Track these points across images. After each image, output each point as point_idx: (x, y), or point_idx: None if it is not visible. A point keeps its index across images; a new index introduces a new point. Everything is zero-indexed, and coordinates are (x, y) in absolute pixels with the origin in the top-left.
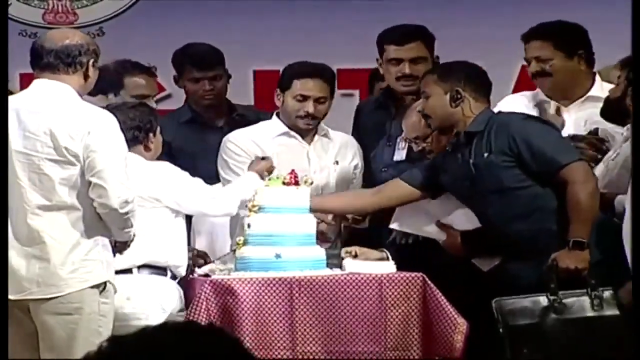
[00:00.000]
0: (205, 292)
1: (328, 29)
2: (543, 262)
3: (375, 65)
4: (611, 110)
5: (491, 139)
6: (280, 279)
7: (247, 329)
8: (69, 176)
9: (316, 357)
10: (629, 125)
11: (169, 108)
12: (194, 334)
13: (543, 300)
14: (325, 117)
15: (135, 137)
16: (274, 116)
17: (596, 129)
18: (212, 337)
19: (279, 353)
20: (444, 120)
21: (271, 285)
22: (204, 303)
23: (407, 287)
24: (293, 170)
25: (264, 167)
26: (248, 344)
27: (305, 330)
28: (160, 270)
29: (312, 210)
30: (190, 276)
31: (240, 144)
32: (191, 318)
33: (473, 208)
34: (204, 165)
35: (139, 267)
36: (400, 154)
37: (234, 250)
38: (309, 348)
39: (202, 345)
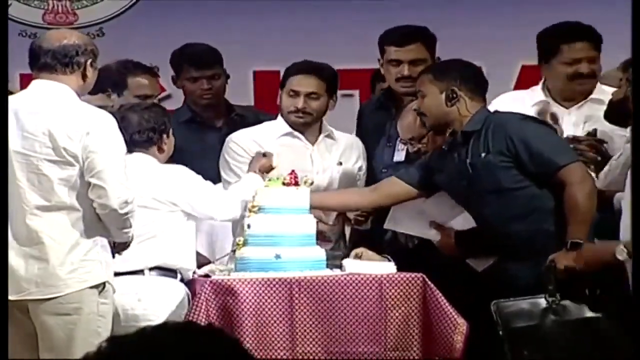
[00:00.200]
0: (206, 293)
1: (328, 29)
2: (541, 263)
3: (376, 65)
4: (615, 112)
5: (488, 138)
6: (280, 280)
7: (247, 330)
8: (68, 177)
9: (316, 357)
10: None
11: (169, 108)
12: (194, 334)
13: (542, 302)
14: (322, 114)
15: (150, 139)
16: (279, 116)
17: (595, 130)
18: (211, 337)
19: (279, 353)
20: (440, 120)
21: (271, 285)
22: (204, 303)
23: (407, 287)
24: (293, 171)
25: (265, 164)
26: (248, 345)
27: (305, 330)
28: (171, 272)
29: (312, 207)
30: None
31: (243, 144)
32: (191, 318)
33: (469, 208)
34: (203, 165)
35: (150, 269)
36: (399, 155)
37: (234, 251)
38: (309, 348)
39: (202, 345)
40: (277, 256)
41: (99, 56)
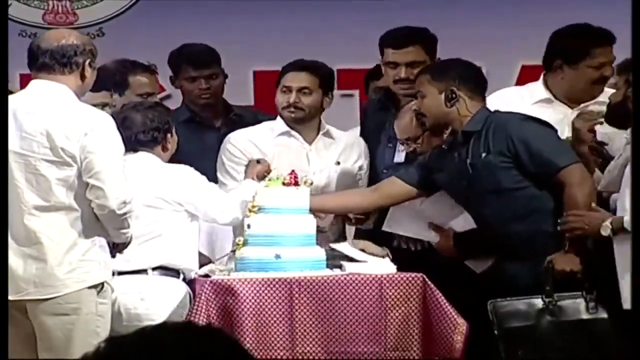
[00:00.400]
0: (206, 293)
1: (328, 29)
2: (540, 263)
3: (371, 65)
4: (614, 114)
5: (489, 139)
6: (280, 279)
7: (247, 329)
8: (66, 177)
9: (316, 357)
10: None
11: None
12: (193, 334)
13: (538, 302)
14: (317, 111)
15: (155, 138)
16: (279, 116)
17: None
18: (210, 337)
19: (278, 353)
20: (440, 120)
21: (271, 285)
22: (204, 303)
23: (407, 287)
24: (293, 171)
25: (260, 171)
26: (248, 344)
27: (305, 330)
28: (174, 272)
29: (311, 210)
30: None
31: (239, 145)
32: (191, 318)
33: (469, 208)
34: (202, 165)
35: (154, 269)
36: (400, 156)
37: (234, 251)
38: (308, 348)
39: (201, 345)
40: (277, 256)
41: (99, 56)
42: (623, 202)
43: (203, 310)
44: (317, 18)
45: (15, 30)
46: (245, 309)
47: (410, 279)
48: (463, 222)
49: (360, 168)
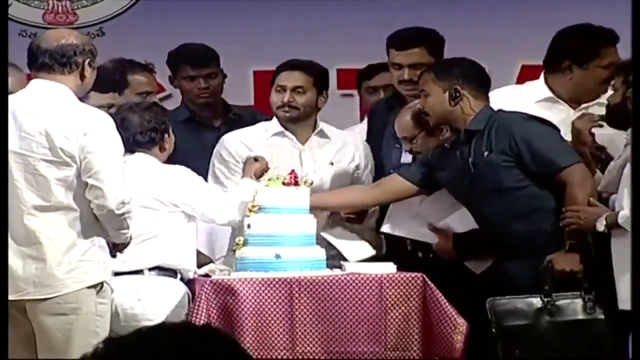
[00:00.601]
0: (206, 292)
1: (328, 29)
2: (541, 263)
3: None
4: (614, 116)
5: (492, 138)
6: (280, 279)
7: (247, 329)
8: (65, 177)
9: (316, 357)
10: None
11: (169, 108)
12: (191, 334)
13: (537, 301)
14: (311, 110)
15: (153, 139)
16: (274, 116)
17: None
18: (209, 337)
19: (279, 353)
20: (443, 118)
21: (271, 285)
22: (205, 303)
23: (407, 287)
24: (293, 171)
25: (258, 169)
26: (248, 344)
27: (305, 330)
28: (171, 272)
29: (312, 208)
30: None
31: (231, 147)
32: (192, 318)
33: (471, 207)
34: (201, 165)
35: (150, 269)
36: (406, 157)
37: (234, 251)
38: (309, 348)
39: (199, 345)
40: (277, 256)
41: (99, 56)
42: (620, 201)
43: (203, 310)
44: (317, 18)
45: (15, 30)
46: (245, 309)
47: (410, 279)
48: (460, 221)
49: (357, 167)
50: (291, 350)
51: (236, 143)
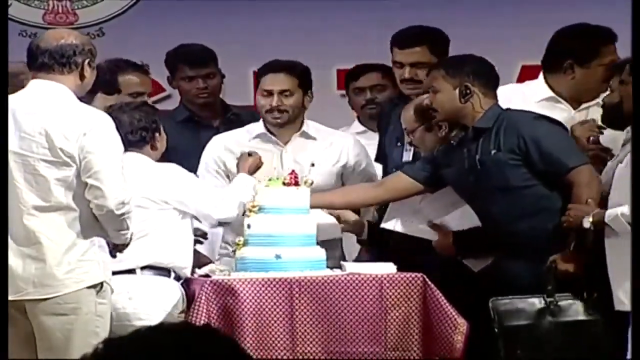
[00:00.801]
0: (206, 293)
1: (328, 29)
2: (543, 263)
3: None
4: (610, 116)
5: (500, 136)
6: (280, 280)
7: (247, 329)
8: (65, 177)
9: (316, 357)
10: (628, 128)
11: (169, 108)
12: (191, 334)
13: (539, 301)
14: (299, 111)
15: (143, 138)
16: (261, 119)
17: (597, 138)
18: (208, 337)
19: (279, 353)
20: (452, 115)
21: (271, 285)
22: (205, 303)
23: (407, 287)
24: (293, 171)
25: (252, 164)
26: (248, 344)
27: (305, 330)
28: (164, 271)
29: (314, 207)
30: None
31: (214, 153)
32: (192, 318)
33: (475, 205)
34: (199, 165)
35: (142, 268)
36: (408, 155)
37: (234, 251)
38: (309, 348)
39: (198, 346)
40: (277, 256)
41: (99, 56)
42: (612, 201)
43: (203, 311)
44: (317, 18)
45: (15, 30)
46: (246, 309)
47: (410, 279)
48: (460, 219)
49: (344, 167)
50: (291, 351)
51: (219, 149)
